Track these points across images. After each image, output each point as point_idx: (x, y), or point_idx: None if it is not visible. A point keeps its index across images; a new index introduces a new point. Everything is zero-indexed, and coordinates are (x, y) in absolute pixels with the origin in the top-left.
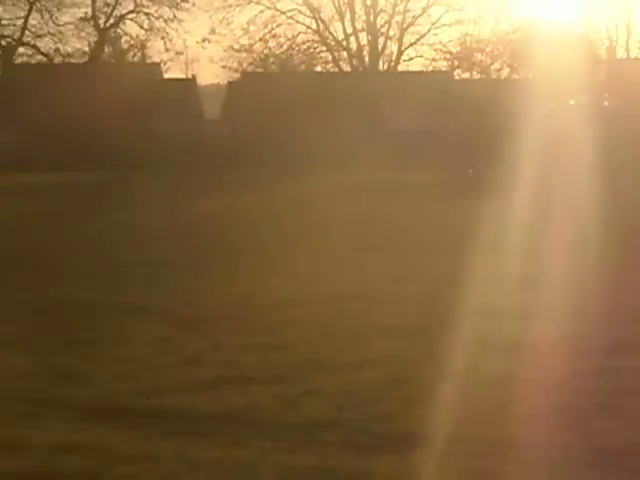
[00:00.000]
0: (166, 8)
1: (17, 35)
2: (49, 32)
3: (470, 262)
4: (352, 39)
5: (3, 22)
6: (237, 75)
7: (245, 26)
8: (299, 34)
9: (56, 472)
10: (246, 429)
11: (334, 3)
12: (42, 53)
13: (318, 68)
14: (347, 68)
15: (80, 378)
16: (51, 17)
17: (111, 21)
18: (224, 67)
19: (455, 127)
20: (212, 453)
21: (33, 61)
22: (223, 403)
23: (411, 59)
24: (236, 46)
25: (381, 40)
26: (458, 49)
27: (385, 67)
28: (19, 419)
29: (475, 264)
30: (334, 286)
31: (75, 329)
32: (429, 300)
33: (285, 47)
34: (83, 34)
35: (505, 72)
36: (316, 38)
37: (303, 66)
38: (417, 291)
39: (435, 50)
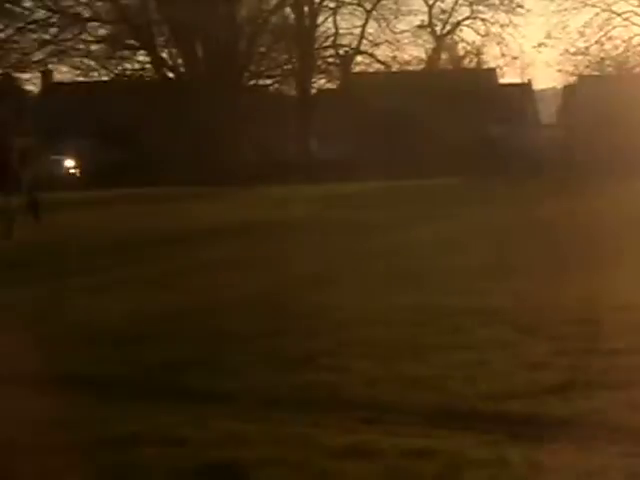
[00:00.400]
0: (502, 13)
1: (355, 44)
2: (386, 40)
3: None
4: None
5: (341, 31)
6: (573, 79)
7: (581, 29)
8: (635, 36)
9: (407, 476)
10: (593, 434)
11: None
12: (379, 61)
13: None
14: None
15: (424, 383)
16: (388, 25)
17: (447, 28)
18: (560, 71)
19: None
20: (561, 458)
21: (370, 69)
22: (569, 408)
23: None
24: (572, 49)
25: None
26: None
27: None
28: (365, 425)
29: None
30: None
31: (418, 335)
32: None
33: (621, 49)
34: (420, 41)
35: None
36: None
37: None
38: None
39: None
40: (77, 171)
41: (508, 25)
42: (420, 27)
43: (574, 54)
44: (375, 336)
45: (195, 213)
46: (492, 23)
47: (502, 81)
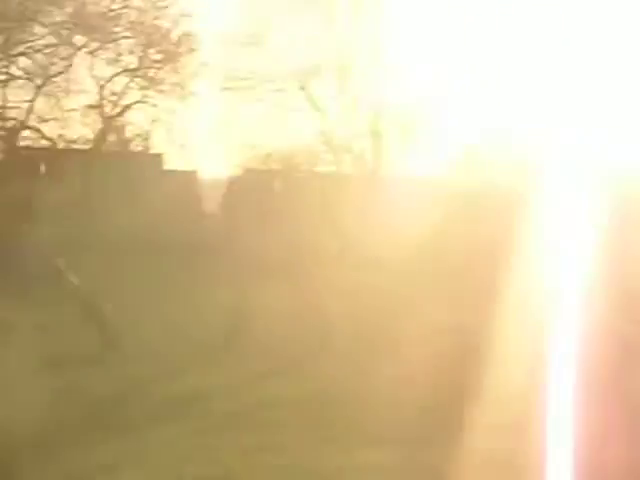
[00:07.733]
0: (173, 100)
1: (22, 118)
2: (55, 117)
3: None
4: None
5: (9, 104)
6: (241, 170)
7: (252, 123)
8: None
9: None
10: None
11: None
12: (46, 137)
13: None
14: None
15: None
16: (57, 102)
17: (117, 110)
18: (229, 162)
19: None
20: None
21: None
22: None
23: None
24: (241, 142)
25: None
26: None
27: None
28: None
29: None
30: None
31: None
32: None
33: (287, 145)
34: (88, 121)
35: None
36: None
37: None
38: None
39: None
40: None
41: (176, 112)
42: (90, 107)
43: (243, 147)
44: None
45: None
46: (162, 109)
47: (168, 168)
